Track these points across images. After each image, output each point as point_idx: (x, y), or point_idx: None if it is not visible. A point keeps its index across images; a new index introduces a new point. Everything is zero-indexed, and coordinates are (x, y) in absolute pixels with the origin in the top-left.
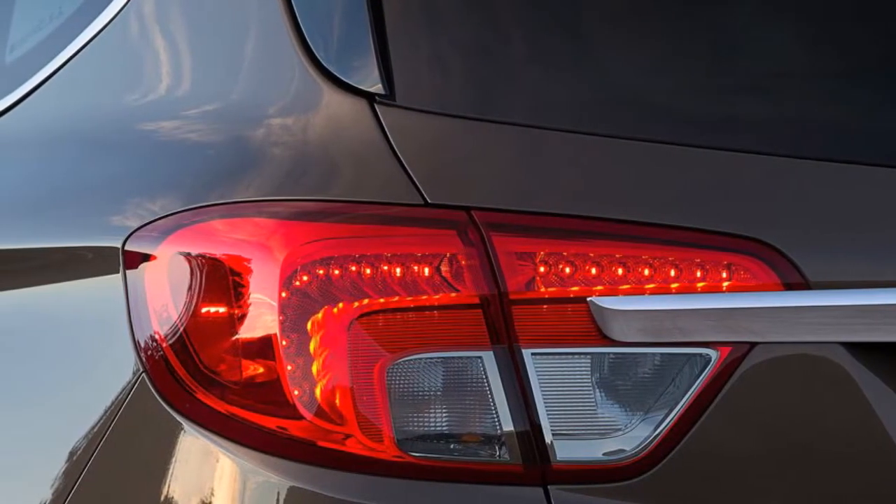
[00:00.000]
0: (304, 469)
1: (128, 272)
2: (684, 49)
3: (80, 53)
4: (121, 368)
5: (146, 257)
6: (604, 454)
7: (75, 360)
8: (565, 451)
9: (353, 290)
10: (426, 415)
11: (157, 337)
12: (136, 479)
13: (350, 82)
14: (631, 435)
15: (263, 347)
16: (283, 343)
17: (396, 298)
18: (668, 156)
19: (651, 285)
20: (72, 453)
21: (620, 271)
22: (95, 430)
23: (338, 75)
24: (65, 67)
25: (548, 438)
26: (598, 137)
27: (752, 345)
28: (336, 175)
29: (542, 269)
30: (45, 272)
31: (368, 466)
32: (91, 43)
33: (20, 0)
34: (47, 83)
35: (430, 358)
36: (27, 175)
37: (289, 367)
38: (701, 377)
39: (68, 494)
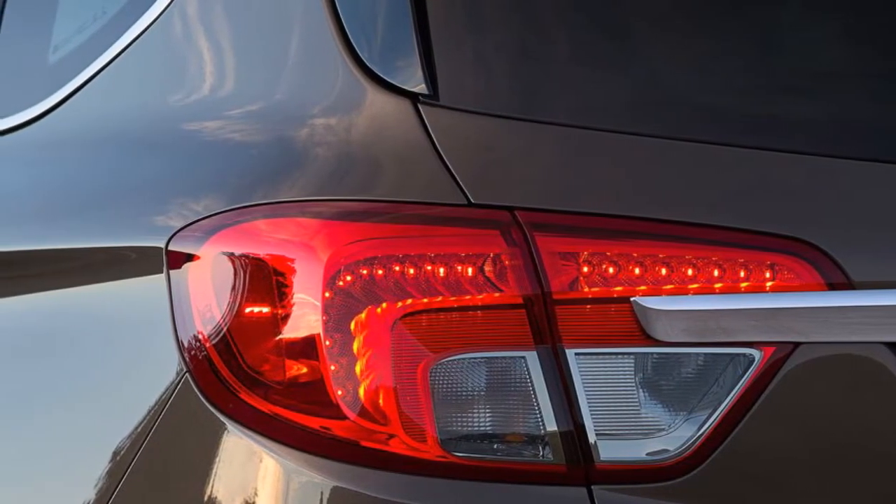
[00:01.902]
0: (348, 469)
1: (171, 272)
2: (727, 49)
3: (124, 54)
4: (164, 368)
5: (189, 257)
6: (647, 454)
7: (119, 360)
8: (609, 451)
9: (397, 290)
10: (470, 415)
11: (200, 337)
12: (180, 479)
13: (393, 82)
14: (674, 435)
15: (307, 347)
16: (327, 343)
17: (440, 298)
18: (711, 156)
19: (694, 285)
20: (115, 453)
21: (664, 271)
22: (139, 430)
23: (381, 75)
24: (108, 68)
25: (591, 438)
26: (642, 137)
27: (796, 345)
28: (379, 175)
29: (585, 269)
30: (89, 272)
31: (412, 466)
32: (134, 43)
33: (63, 0)
34: (91, 83)
35: (474, 358)
36: (70, 175)
37: (332, 367)
38: (744, 377)
39: (112, 494)
